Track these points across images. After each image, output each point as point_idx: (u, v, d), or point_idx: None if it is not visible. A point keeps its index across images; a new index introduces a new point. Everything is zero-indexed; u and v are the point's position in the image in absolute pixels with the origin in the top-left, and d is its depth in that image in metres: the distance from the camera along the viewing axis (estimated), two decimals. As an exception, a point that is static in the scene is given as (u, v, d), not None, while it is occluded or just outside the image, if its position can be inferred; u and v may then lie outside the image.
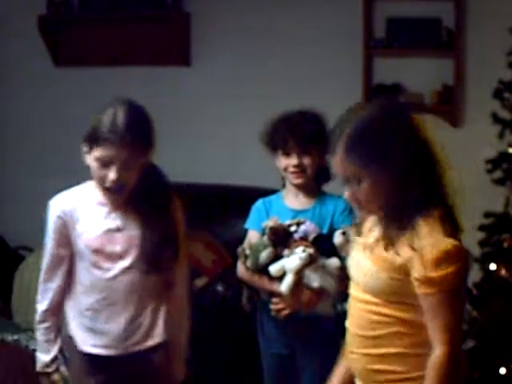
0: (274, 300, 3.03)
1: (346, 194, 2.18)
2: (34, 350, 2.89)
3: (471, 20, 4.61)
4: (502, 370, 3.72)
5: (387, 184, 2.13)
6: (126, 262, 2.69)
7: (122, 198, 2.68)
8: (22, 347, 4.09)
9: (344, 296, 3.01)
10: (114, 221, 2.70)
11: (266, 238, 3.01)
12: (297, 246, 2.95)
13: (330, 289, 2.94)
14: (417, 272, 2.08)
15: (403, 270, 2.11)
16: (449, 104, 4.61)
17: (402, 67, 4.72)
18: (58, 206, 2.77)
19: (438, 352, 2.07)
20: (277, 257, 2.99)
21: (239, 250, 3.10)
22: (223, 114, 5.03)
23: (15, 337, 4.14)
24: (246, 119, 4.86)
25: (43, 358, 2.79)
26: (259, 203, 3.22)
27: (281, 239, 2.98)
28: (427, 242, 2.09)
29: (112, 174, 2.58)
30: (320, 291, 2.95)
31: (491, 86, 4.07)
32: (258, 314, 3.20)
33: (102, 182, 2.62)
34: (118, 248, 2.69)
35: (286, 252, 2.98)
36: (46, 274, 2.80)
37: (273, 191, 3.31)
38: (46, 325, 2.79)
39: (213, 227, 4.64)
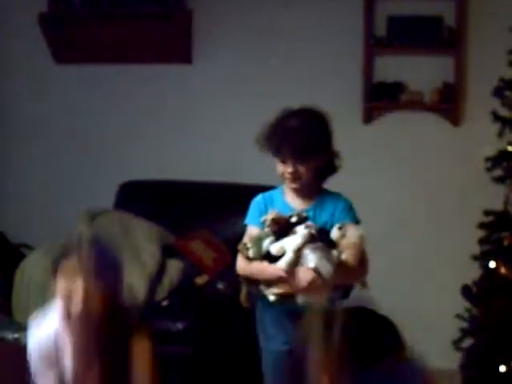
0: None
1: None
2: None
3: (472, 18, 4.62)
4: (502, 368, 3.72)
5: None
6: None
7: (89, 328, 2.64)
8: (22, 346, 4.09)
9: (343, 293, 3.05)
10: None
11: (267, 229, 3.00)
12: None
13: (324, 272, 2.87)
14: None
15: None
16: (449, 102, 4.61)
17: (403, 65, 4.71)
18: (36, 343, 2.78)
19: None
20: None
21: (240, 245, 3.09)
22: (224, 111, 5.03)
23: (15, 335, 4.13)
24: (247, 117, 4.86)
25: None
26: (259, 198, 3.19)
27: (283, 229, 2.97)
28: None
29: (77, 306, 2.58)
30: (315, 273, 2.91)
31: (492, 84, 4.07)
32: (257, 311, 3.20)
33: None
34: None
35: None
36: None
37: (266, 188, 3.30)
38: None
39: (214, 225, 4.64)
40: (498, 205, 3.98)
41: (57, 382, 2.70)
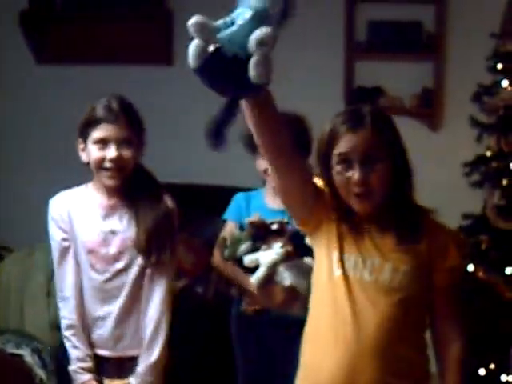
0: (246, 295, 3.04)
1: (358, 176, 2.13)
2: (13, 354, 2.87)
3: (452, 24, 4.67)
4: (482, 371, 3.75)
5: (394, 171, 2.18)
6: (120, 265, 2.72)
7: (120, 180, 2.71)
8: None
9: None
10: (110, 223, 2.75)
11: (246, 231, 3.03)
12: (275, 242, 2.97)
13: (301, 289, 2.91)
14: (441, 262, 2.17)
15: (426, 260, 2.18)
16: (428, 107, 4.66)
17: (383, 70, 4.75)
18: (57, 205, 2.80)
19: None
20: (255, 251, 3.00)
21: (219, 239, 3.12)
22: (205, 113, 5.01)
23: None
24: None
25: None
26: (240, 196, 3.25)
27: (261, 235, 2.99)
28: (444, 232, 2.23)
29: (111, 152, 2.65)
30: (291, 290, 2.94)
31: (471, 89, 4.11)
32: (233, 319, 3.21)
33: (101, 164, 2.68)
34: (112, 250, 2.72)
35: (263, 247, 3.00)
36: (59, 269, 2.81)
37: (250, 190, 3.32)
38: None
39: (194, 227, 4.64)
40: (476, 209, 4.02)
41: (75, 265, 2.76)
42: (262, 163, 3.08)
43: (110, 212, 2.75)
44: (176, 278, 4.32)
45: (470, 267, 3.88)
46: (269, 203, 3.16)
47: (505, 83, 3.94)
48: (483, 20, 4.42)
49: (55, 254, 2.79)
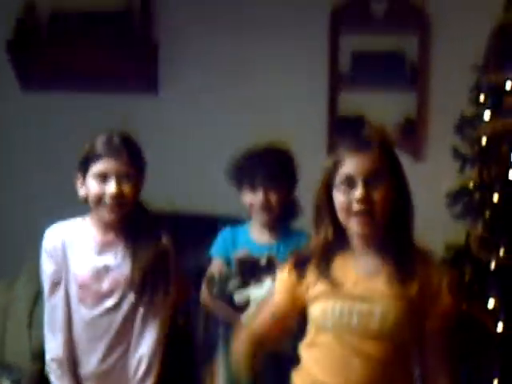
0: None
1: (361, 193, 2.15)
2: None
3: (435, 55, 4.70)
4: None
5: (396, 193, 2.20)
6: (110, 302, 2.72)
7: (120, 214, 2.70)
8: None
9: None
10: (104, 258, 2.74)
11: (234, 268, 3.02)
12: (265, 278, 2.96)
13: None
14: (434, 307, 2.17)
15: (417, 305, 2.18)
16: (411, 138, 4.68)
17: (367, 100, 4.77)
18: (52, 236, 2.80)
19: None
20: (244, 287, 2.99)
21: (207, 275, 3.10)
22: (189, 142, 5.05)
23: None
24: (211, 148, 4.88)
25: None
26: (226, 232, 3.22)
27: (250, 271, 2.98)
28: (438, 274, 2.21)
29: (111, 187, 2.64)
30: None
31: (453, 121, 4.13)
32: (217, 350, 3.19)
33: (100, 200, 2.67)
34: (104, 287, 2.72)
35: (253, 283, 2.99)
36: (49, 301, 2.80)
37: (237, 220, 3.31)
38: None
39: (179, 258, 4.61)
40: (459, 240, 4.03)
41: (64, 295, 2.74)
42: (249, 197, 3.07)
43: (105, 247, 2.74)
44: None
45: (453, 299, 3.88)
46: (255, 238, 3.15)
47: (487, 115, 3.96)
48: (466, 52, 4.44)
49: (46, 285, 2.78)
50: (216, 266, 3.14)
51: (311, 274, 2.26)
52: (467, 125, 4.06)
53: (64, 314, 2.74)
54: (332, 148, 4.67)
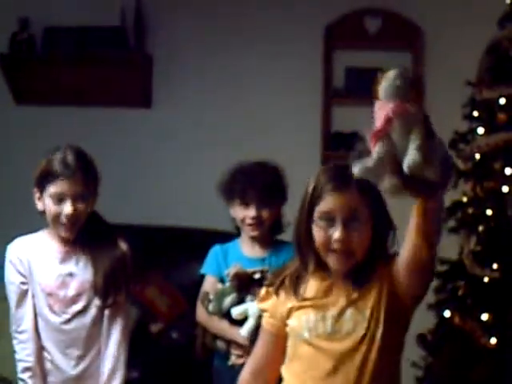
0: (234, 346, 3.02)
1: (340, 234, 2.13)
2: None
3: (428, 71, 4.72)
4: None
5: (375, 231, 2.18)
6: (78, 306, 2.78)
7: (74, 232, 2.77)
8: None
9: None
10: (67, 266, 2.80)
11: (229, 284, 3.01)
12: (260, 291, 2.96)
13: None
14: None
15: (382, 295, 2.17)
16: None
17: (360, 116, 4.77)
18: (15, 249, 2.85)
19: None
20: (240, 303, 2.99)
21: (201, 293, 3.09)
22: (182, 156, 5.05)
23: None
24: (204, 162, 4.89)
25: None
26: (216, 248, 3.20)
27: (245, 285, 2.98)
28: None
29: (67, 208, 2.70)
30: None
31: (447, 136, 4.14)
32: (214, 365, 3.17)
33: (57, 218, 2.73)
34: (70, 293, 2.78)
35: (249, 298, 2.98)
36: (16, 312, 2.83)
37: (228, 234, 3.30)
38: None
39: (168, 271, 4.61)
40: (452, 255, 4.03)
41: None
42: (240, 211, 3.07)
43: (66, 256, 2.81)
44: (152, 321, 4.33)
45: (447, 313, 3.88)
46: (246, 252, 3.14)
47: (480, 131, 3.98)
48: (460, 68, 4.48)
49: (13, 297, 2.82)
50: (209, 284, 3.12)
51: (285, 291, 2.27)
52: (461, 140, 4.08)
53: (32, 322, 2.79)
54: (326, 162, 4.74)
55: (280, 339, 2.29)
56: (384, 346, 2.16)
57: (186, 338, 4.11)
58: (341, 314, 2.18)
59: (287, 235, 3.10)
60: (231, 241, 3.24)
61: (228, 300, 2.98)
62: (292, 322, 2.25)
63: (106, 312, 2.79)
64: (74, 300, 2.77)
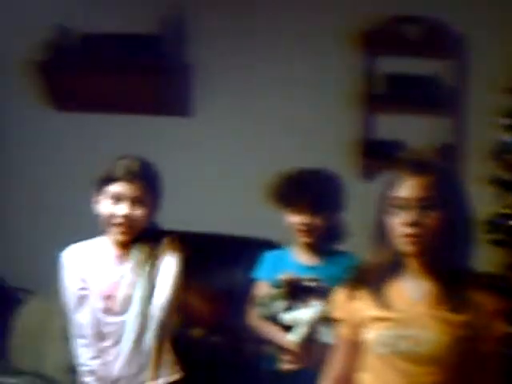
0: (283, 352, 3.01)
1: (412, 218, 2.16)
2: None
3: (472, 79, 4.65)
4: None
5: (450, 223, 2.18)
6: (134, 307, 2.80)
7: (130, 235, 2.80)
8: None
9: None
10: (122, 269, 2.84)
11: (281, 289, 3.01)
12: (313, 301, 2.95)
13: None
14: (487, 328, 2.15)
15: (469, 328, 2.15)
16: (448, 162, 4.62)
17: (401, 124, 4.73)
18: (72, 256, 2.91)
19: None
20: (291, 309, 2.99)
21: (253, 298, 3.10)
22: (222, 164, 5.04)
23: (14, 380, 4.13)
24: (245, 170, 4.88)
25: None
26: (269, 254, 3.22)
27: (296, 292, 2.98)
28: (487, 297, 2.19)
29: (122, 209, 2.76)
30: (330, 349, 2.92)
31: (490, 146, 4.09)
32: (261, 369, 3.18)
33: (111, 219, 2.79)
34: (125, 295, 2.80)
35: (300, 305, 2.97)
36: (76, 317, 2.88)
37: (268, 243, 3.30)
38: None
39: (210, 277, 4.62)
40: (496, 268, 3.98)
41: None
42: (293, 218, 3.06)
43: (122, 260, 2.85)
44: (193, 326, 4.34)
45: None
46: (300, 260, 3.15)
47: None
48: (504, 76, 4.41)
49: (71, 302, 2.87)
50: (260, 289, 3.13)
51: (364, 298, 2.27)
52: (504, 150, 4.02)
53: (92, 327, 2.82)
54: (367, 170, 4.70)
55: (359, 346, 2.28)
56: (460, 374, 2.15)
57: (226, 343, 4.12)
58: (422, 334, 2.16)
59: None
60: (280, 248, 3.27)
61: (279, 306, 3.00)
62: (369, 334, 2.24)
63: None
64: (128, 302, 2.79)
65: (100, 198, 2.81)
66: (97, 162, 5.19)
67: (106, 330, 2.82)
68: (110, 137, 5.17)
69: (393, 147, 4.69)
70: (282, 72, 4.94)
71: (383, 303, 2.22)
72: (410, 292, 2.23)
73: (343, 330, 2.33)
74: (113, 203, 2.76)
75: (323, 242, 3.13)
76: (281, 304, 3.02)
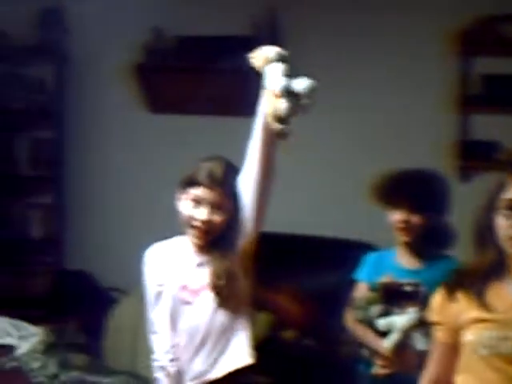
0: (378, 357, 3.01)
1: (507, 224, 2.14)
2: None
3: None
4: None
5: None
6: (207, 304, 2.79)
7: (206, 239, 2.79)
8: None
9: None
10: (200, 269, 2.82)
11: (377, 293, 2.99)
12: (410, 307, 2.93)
13: None
14: None
15: None
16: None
17: (498, 124, 4.66)
18: (153, 253, 2.95)
19: None
20: (387, 313, 2.97)
21: (351, 299, 3.10)
22: (320, 166, 5.03)
23: (108, 380, 4.15)
24: (334, 169, 4.87)
25: None
26: (372, 256, 3.20)
27: (393, 297, 2.96)
28: None
29: (202, 213, 2.74)
30: (425, 356, 2.89)
31: None
32: (358, 371, 3.16)
33: (190, 221, 2.78)
34: (199, 285, 2.80)
35: (397, 310, 2.96)
36: (153, 312, 2.90)
37: (361, 244, 3.27)
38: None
39: (301, 280, 4.62)
40: None
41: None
42: (392, 216, 3.05)
43: (199, 260, 2.83)
44: (284, 328, 4.35)
45: None
46: (402, 263, 3.11)
47: None
48: None
49: (149, 298, 2.90)
50: (360, 290, 3.12)
51: (464, 300, 2.22)
52: None
53: (167, 323, 2.83)
54: (463, 172, 4.64)
55: (458, 349, 2.24)
56: None
57: (319, 346, 4.11)
58: None
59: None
60: (380, 250, 3.26)
61: (375, 310, 2.98)
62: (470, 336, 2.20)
63: (227, 312, 2.78)
64: (204, 298, 2.78)
65: (182, 197, 2.82)
66: (187, 163, 5.33)
67: (181, 325, 2.83)
68: (203, 138, 5.23)
69: (489, 148, 4.64)
70: (373, 73, 4.93)
71: (484, 305, 2.17)
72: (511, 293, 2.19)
73: (441, 334, 2.30)
74: (193, 206, 2.76)
75: (427, 245, 3.09)
76: (377, 308, 2.99)
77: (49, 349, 4.07)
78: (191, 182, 2.78)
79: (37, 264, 5.62)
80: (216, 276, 2.75)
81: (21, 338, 4.22)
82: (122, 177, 5.48)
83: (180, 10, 5.26)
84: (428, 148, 4.72)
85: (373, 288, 3.05)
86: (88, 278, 5.33)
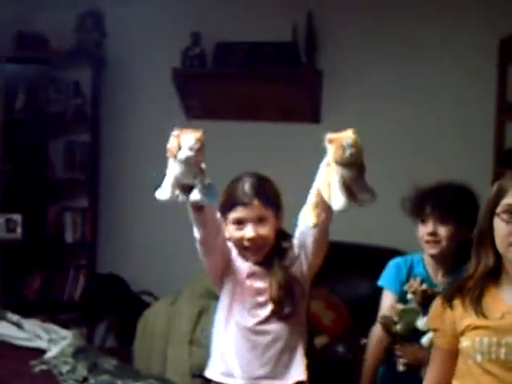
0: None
1: (506, 229, 2.12)
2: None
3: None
4: None
5: None
6: (264, 313, 2.78)
7: (261, 256, 2.80)
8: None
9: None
10: (258, 282, 2.81)
11: (414, 304, 2.94)
12: None
13: None
14: None
15: None
16: None
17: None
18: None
19: None
20: (424, 314, 2.90)
21: (382, 316, 3.02)
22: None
23: (137, 384, 4.14)
24: (371, 177, 4.81)
25: None
26: (400, 261, 3.12)
27: (428, 303, 2.89)
28: None
29: (249, 232, 2.75)
30: None
31: None
32: (380, 372, 3.13)
33: (240, 243, 2.78)
34: (259, 301, 2.79)
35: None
36: None
37: (394, 251, 3.22)
38: None
39: (334, 286, 4.59)
40: None
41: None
42: (420, 229, 3.00)
43: (257, 274, 2.82)
44: (316, 334, 4.31)
45: None
46: (431, 275, 3.04)
47: None
48: None
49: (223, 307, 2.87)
50: (389, 302, 3.05)
51: (461, 306, 2.23)
52: None
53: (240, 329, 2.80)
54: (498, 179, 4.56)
55: (456, 355, 2.26)
56: None
57: (350, 353, 4.08)
58: None
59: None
60: (408, 257, 3.15)
61: (421, 323, 2.91)
62: (465, 342, 2.21)
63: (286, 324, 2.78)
64: (261, 306, 2.78)
65: (225, 224, 2.80)
66: (223, 168, 5.33)
67: (250, 333, 2.80)
68: (240, 143, 5.22)
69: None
70: (411, 78, 4.89)
71: (480, 311, 2.19)
72: (509, 299, 2.19)
73: (440, 340, 2.31)
74: (237, 228, 2.77)
75: (455, 258, 3.01)
76: (423, 321, 2.94)
77: (78, 352, 4.05)
78: (227, 207, 2.79)
79: (70, 267, 5.65)
80: (276, 286, 2.75)
81: (51, 341, 4.21)
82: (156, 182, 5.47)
83: (219, 16, 5.27)
84: (464, 155, 4.68)
85: (401, 296, 2.99)
86: (120, 282, 5.35)
